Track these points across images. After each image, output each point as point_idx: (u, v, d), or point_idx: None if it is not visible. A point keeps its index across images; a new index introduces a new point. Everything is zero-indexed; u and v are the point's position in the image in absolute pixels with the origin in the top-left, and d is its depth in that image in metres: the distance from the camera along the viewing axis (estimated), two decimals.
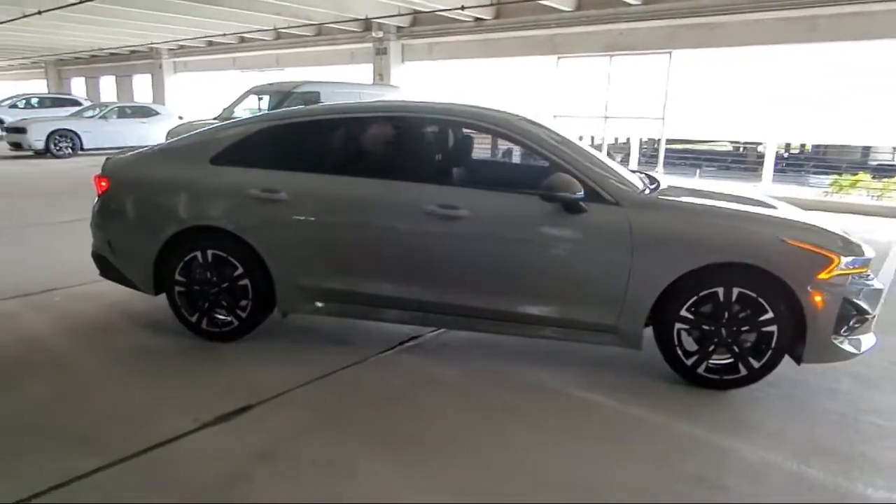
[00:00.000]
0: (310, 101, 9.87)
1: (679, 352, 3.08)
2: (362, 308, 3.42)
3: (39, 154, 14.20)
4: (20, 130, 14.39)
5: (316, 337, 3.72)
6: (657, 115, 11.35)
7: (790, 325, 2.93)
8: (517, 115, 3.55)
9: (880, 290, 3.17)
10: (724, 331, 3.00)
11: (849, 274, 2.95)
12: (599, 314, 3.11)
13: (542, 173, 3.13)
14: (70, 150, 14.45)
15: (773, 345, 2.96)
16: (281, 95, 10.24)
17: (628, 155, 15.12)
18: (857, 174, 11.56)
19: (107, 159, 3.82)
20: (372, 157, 3.60)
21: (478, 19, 12.28)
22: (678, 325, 3.04)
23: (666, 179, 3.83)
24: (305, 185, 3.36)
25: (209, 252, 3.41)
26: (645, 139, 16.33)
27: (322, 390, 3.09)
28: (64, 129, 14.56)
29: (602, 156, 3.77)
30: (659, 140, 12.00)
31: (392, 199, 3.25)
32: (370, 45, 14.39)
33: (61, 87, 27.60)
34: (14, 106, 19.32)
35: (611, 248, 3.04)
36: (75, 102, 19.01)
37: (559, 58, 12.26)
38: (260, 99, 10.87)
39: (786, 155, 18.01)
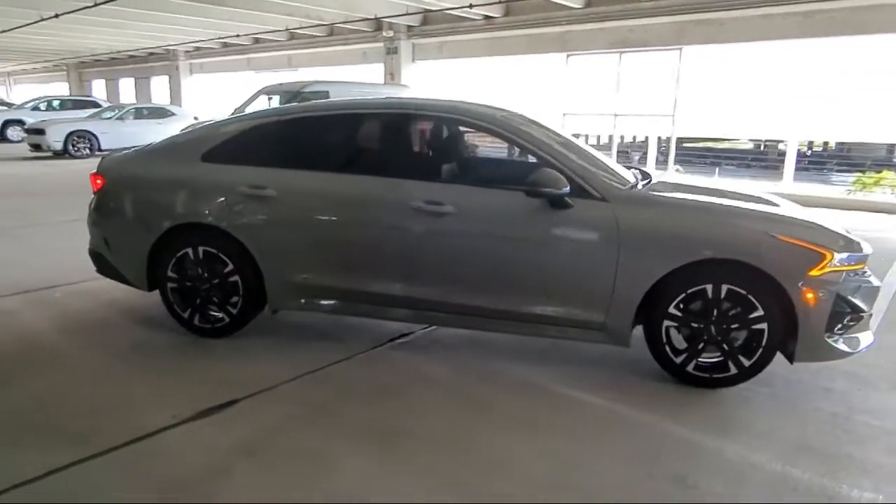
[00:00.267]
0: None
1: (668, 349, 3.04)
2: (351, 304, 3.43)
3: (58, 155, 14.48)
4: (39, 132, 14.69)
5: (308, 333, 3.74)
6: (668, 112, 11.21)
7: (781, 322, 2.87)
8: (504, 111, 3.53)
9: (878, 288, 3.10)
10: (713, 328, 2.95)
11: (842, 271, 2.88)
12: (586, 311, 3.08)
13: (533, 169, 3.10)
14: (88, 151, 14.71)
15: (763, 343, 2.91)
16: (290, 95, 10.33)
17: (646, 153, 14.97)
18: (881, 172, 11.27)
19: (102, 157, 3.89)
20: (358, 153, 3.60)
21: (487, 17, 12.25)
22: (666, 323, 3.00)
23: (665, 176, 3.78)
24: (293, 182, 3.38)
25: (200, 249, 3.44)
26: (664, 137, 16.19)
27: (311, 386, 3.10)
28: (82, 131, 14.83)
29: (595, 152, 3.74)
30: (670, 138, 11.85)
31: (379, 196, 3.25)
32: (381, 44, 14.44)
33: (82, 89, 28.15)
34: (36, 108, 19.73)
35: (597, 245, 3.00)
36: (95, 104, 19.35)
37: (568, 55, 12.19)
38: (270, 99, 10.96)
39: (808, 153, 17.66)
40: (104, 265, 3.82)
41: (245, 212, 3.38)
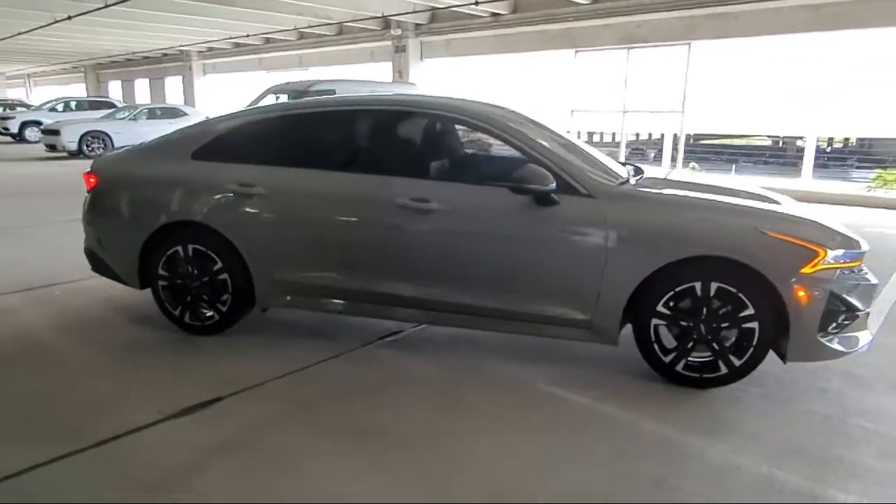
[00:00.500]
0: None
1: (656, 348, 2.98)
2: (337, 303, 3.41)
3: (73, 155, 14.70)
4: (55, 133, 14.93)
5: (298, 331, 3.74)
6: (677, 109, 11.07)
7: (773, 321, 2.80)
8: (498, 108, 3.49)
9: (875, 286, 3.01)
10: (702, 327, 2.89)
11: (836, 268, 2.80)
12: (573, 309, 3.03)
13: (521, 165, 3.06)
14: (102, 151, 14.87)
15: (754, 342, 2.84)
16: (297, 94, 10.38)
17: (660, 150, 14.82)
18: None
19: (96, 157, 3.92)
20: (346, 151, 3.58)
21: (494, 14, 12.20)
22: (655, 321, 2.94)
23: (659, 172, 3.72)
24: (280, 180, 3.37)
25: (190, 247, 3.45)
26: (679, 134, 16.01)
27: (297, 383, 3.09)
28: (96, 131, 15.06)
29: (590, 148, 3.68)
30: (680, 134, 11.69)
31: (366, 193, 3.23)
32: (389, 42, 14.46)
33: (99, 90, 28.60)
34: (53, 109, 20.06)
35: (584, 242, 2.96)
36: (111, 105, 19.63)
37: (576, 52, 12.08)
38: (277, 97, 11.02)
39: (828, 149, 17.30)
40: (98, 263, 3.85)
41: (233, 209, 3.39)
